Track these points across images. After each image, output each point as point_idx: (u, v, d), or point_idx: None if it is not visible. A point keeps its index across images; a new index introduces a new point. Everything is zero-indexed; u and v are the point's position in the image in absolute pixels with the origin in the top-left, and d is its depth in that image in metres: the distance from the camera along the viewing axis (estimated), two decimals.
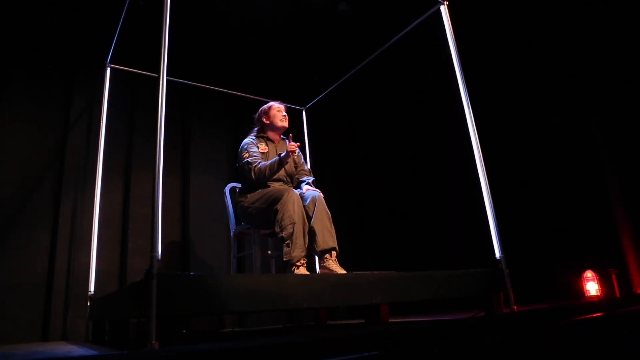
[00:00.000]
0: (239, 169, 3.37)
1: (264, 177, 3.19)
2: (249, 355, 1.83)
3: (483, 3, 4.61)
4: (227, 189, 3.76)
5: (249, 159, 3.25)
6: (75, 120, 4.14)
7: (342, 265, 2.95)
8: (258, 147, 3.39)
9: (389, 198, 5.66)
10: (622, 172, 4.75)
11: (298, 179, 3.53)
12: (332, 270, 2.86)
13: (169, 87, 2.31)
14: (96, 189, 3.75)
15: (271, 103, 3.55)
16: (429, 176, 5.49)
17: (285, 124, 3.49)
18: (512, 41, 5.01)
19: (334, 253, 2.99)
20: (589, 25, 4.77)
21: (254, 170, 3.19)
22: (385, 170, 5.70)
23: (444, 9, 3.38)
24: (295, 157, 3.55)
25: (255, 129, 3.56)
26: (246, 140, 3.44)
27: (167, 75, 2.31)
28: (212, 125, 4.93)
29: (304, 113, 5.10)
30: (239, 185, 3.83)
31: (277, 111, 3.48)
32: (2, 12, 3.98)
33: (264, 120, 3.50)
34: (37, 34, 4.13)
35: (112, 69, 3.98)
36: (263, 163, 3.22)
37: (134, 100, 4.51)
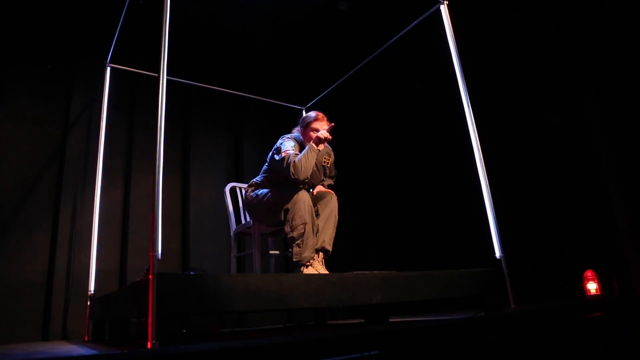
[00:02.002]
0: (271, 163, 3.24)
1: (301, 170, 3.02)
2: (248, 355, 1.82)
3: (483, 2, 4.62)
4: (227, 189, 3.76)
5: (289, 152, 3.10)
6: (75, 120, 4.14)
7: (342, 264, 2.96)
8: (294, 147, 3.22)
9: (389, 198, 5.65)
10: (622, 171, 4.74)
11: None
12: (317, 270, 2.89)
13: (169, 86, 2.31)
14: (96, 188, 3.75)
15: (314, 117, 3.31)
16: (429, 176, 5.49)
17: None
18: (513, 41, 5.01)
19: (322, 254, 3.03)
20: (589, 24, 4.77)
21: (293, 164, 3.01)
22: (385, 169, 5.70)
23: (443, 9, 3.38)
24: (327, 166, 3.46)
25: (296, 129, 3.44)
26: (286, 136, 3.31)
27: (167, 75, 2.31)
28: (212, 125, 4.93)
29: (304, 113, 5.10)
30: (239, 184, 3.82)
31: (314, 132, 3.25)
32: (2, 11, 3.98)
33: (302, 130, 3.36)
34: (37, 34, 4.13)
35: (112, 68, 3.98)
36: (298, 157, 3.07)
37: (134, 100, 4.51)
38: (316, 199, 3.17)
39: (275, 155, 3.18)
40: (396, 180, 5.67)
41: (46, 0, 4.06)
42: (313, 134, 3.22)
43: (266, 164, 3.38)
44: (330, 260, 3.15)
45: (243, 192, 3.67)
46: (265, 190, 3.22)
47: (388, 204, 5.64)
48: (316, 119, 3.30)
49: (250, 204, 3.35)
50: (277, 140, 3.30)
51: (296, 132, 3.43)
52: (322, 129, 3.24)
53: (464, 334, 2.18)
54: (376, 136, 5.88)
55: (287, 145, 3.18)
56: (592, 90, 4.82)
